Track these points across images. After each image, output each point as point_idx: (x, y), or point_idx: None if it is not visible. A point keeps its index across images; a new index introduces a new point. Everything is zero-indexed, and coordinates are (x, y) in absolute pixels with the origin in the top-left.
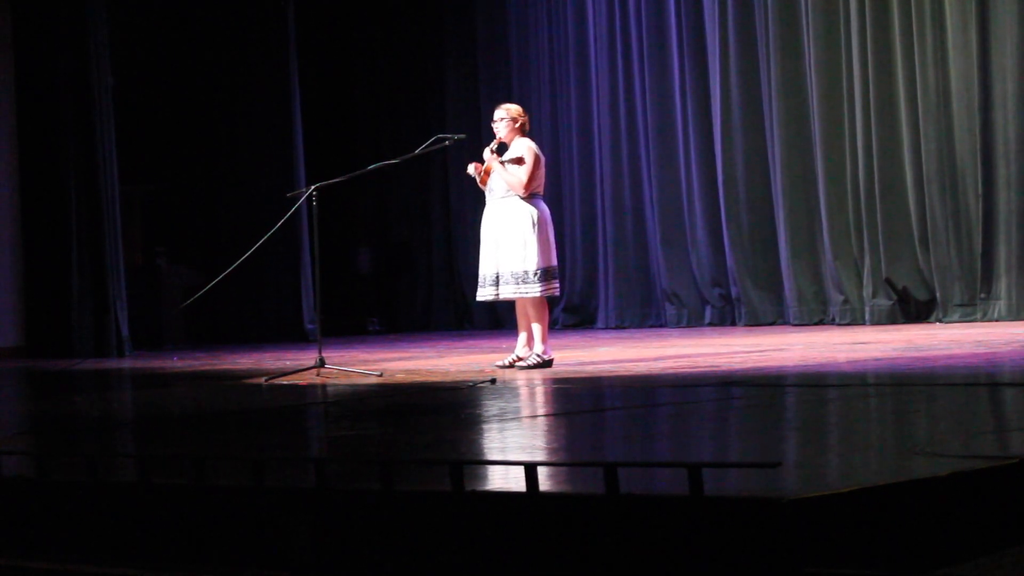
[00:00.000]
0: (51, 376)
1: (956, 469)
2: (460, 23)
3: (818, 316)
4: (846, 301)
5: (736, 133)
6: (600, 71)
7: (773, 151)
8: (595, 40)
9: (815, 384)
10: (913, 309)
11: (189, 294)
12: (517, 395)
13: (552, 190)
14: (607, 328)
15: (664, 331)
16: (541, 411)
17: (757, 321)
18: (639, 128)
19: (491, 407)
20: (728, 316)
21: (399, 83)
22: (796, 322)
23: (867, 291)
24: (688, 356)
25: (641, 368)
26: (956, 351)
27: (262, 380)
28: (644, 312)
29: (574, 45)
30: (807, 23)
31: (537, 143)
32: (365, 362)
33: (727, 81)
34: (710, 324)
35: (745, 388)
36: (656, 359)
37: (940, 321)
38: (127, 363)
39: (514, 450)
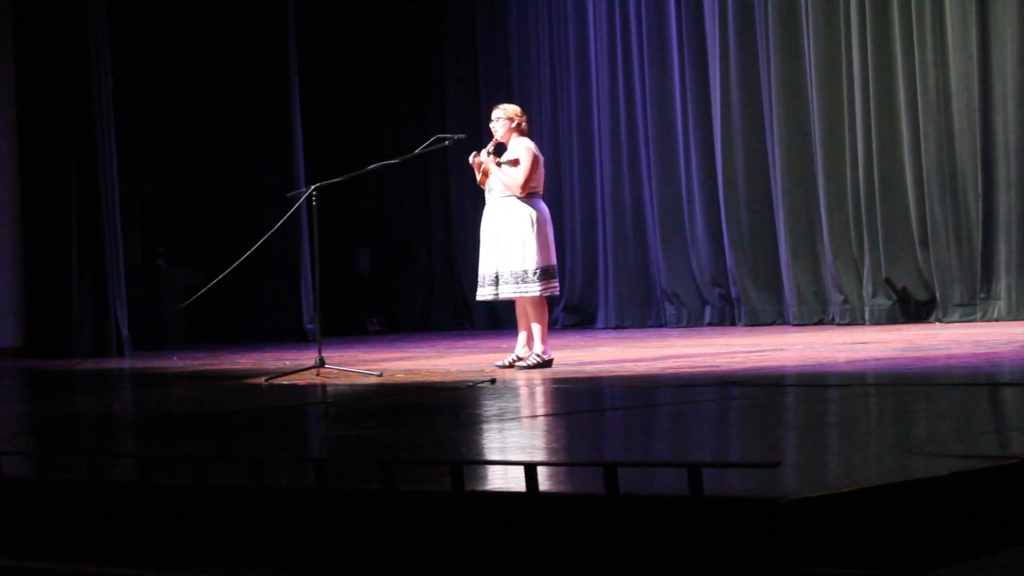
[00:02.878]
0: (51, 376)
1: (956, 469)
2: (461, 23)
3: (818, 316)
4: (846, 301)
5: (736, 133)
6: (600, 71)
7: (773, 151)
8: (595, 40)
9: (815, 384)
10: (913, 309)
11: (189, 294)
12: (517, 395)
13: (552, 190)
14: (607, 328)
15: (664, 331)
16: (541, 411)
17: (757, 321)
18: (639, 128)
19: (491, 407)
20: (728, 316)
21: (399, 83)
22: (796, 322)
23: (867, 291)
24: (688, 356)
25: (641, 368)
26: (956, 351)
27: (262, 380)
28: (644, 312)
29: (574, 45)
30: (807, 23)
31: (537, 143)
32: (365, 362)
33: (727, 81)
34: (710, 324)
35: (745, 388)
36: (656, 359)
37: (940, 321)
38: (127, 363)
39: (514, 450)
